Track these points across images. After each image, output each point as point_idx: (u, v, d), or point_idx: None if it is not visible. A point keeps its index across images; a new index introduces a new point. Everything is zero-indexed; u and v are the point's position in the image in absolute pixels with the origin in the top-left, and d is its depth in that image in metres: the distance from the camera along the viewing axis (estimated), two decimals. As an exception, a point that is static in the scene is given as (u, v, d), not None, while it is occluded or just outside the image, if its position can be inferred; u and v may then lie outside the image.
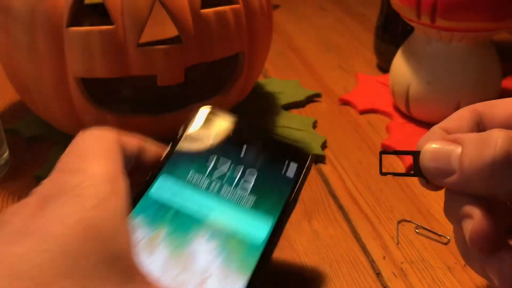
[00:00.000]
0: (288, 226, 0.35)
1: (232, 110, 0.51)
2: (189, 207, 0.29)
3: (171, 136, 0.33)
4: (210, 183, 0.30)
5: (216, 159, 0.31)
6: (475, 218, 0.23)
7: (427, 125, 0.51)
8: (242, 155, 0.32)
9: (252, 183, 0.31)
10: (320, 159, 0.48)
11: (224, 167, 0.31)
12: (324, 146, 0.50)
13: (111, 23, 0.40)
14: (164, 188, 0.30)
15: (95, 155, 0.25)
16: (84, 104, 0.43)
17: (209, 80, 0.53)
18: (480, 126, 0.27)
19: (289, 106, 0.57)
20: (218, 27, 0.44)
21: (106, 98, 0.47)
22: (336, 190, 0.45)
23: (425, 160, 0.26)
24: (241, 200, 0.30)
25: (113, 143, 0.26)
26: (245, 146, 0.32)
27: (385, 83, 0.60)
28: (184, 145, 0.32)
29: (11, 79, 0.47)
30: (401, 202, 0.43)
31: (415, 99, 0.51)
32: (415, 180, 0.45)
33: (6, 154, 0.47)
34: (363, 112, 0.57)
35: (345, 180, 0.46)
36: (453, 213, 0.26)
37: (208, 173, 0.31)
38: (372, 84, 0.61)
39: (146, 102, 0.53)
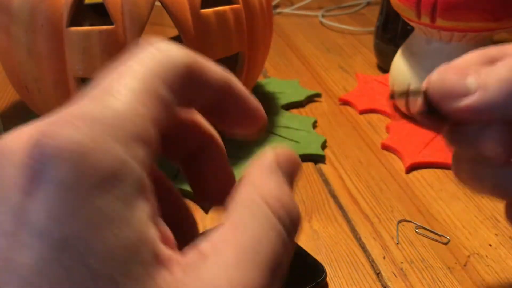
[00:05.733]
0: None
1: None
2: None
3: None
4: None
5: None
6: None
7: (427, 125, 0.51)
8: None
9: None
10: (320, 159, 0.48)
11: None
12: (324, 146, 0.50)
13: (111, 23, 0.40)
14: None
15: None
16: (84, 104, 0.43)
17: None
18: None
19: (289, 106, 0.57)
20: (218, 27, 0.44)
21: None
22: (336, 190, 0.45)
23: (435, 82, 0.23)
24: None
25: None
26: None
27: (385, 83, 0.60)
28: None
29: (11, 79, 0.47)
30: (401, 202, 0.43)
31: (415, 99, 0.51)
32: (415, 180, 0.45)
33: (6, 154, 0.47)
34: (363, 112, 0.57)
35: (345, 180, 0.46)
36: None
37: None
38: (372, 84, 0.61)
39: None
